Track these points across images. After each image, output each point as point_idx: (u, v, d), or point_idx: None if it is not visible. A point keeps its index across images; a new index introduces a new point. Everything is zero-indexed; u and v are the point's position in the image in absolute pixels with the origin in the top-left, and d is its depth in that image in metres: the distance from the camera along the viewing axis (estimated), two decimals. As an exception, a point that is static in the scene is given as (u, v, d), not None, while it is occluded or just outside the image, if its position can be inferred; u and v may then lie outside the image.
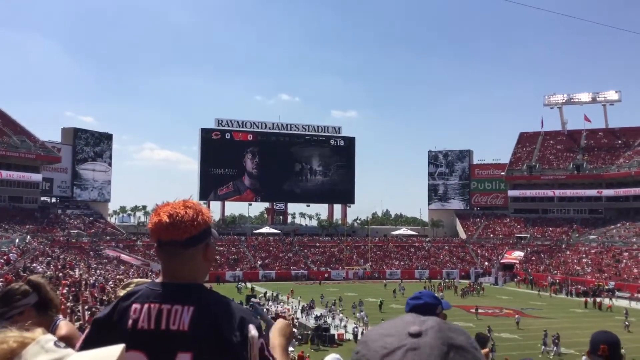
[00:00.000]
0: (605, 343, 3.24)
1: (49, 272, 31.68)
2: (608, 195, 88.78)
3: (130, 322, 1.90)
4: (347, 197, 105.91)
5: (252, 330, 1.88)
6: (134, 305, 1.92)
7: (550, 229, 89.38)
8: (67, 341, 1.09)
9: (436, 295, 3.27)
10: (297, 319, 42.33)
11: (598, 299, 53.51)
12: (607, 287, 62.06)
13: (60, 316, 3.40)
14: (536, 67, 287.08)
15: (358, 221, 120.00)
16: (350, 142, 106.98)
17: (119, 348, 1.06)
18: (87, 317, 19.81)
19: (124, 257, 67.90)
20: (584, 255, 75.66)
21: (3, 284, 24.40)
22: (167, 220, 1.93)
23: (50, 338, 0.98)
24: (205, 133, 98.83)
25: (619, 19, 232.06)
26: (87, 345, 1.85)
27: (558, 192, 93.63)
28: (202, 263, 2.03)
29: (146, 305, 1.91)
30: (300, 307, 47.83)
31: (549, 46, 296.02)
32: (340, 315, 43.32)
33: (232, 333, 1.87)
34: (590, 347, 3.30)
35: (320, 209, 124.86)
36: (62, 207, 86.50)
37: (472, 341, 0.87)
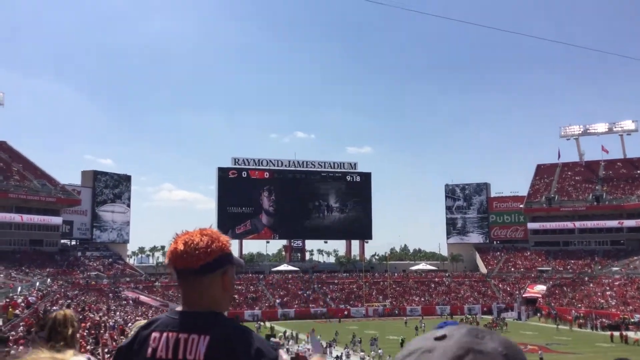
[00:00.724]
0: None
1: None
2: (629, 225, 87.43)
3: (149, 350, 1.93)
4: (364, 232, 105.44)
5: None
6: (154, 334, 1.95)
7: (572, 261, 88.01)
8: None
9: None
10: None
11: (624, 333, 52.34)
12: (632, 320, 60.72)
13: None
14: (551, 99, 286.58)
15: (376, 257, 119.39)
16: (366, 177, 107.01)
17: None
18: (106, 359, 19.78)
19: (142, 298, 67.94)
20: (608, 288, 74.25)
21: (24, 327, 24.52)
22: (182, 248, 1.95)
23: (81, 359, 0.95)
24: (222, 172, 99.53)
25: (634, 49, 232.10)
26: None
27: (578, 224, 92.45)
28: (221, 292, 2.02)
29: (165, 334, 1.93)
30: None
31: (563, 77, 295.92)
32: (362, 353, 42.76)
33: None
34: None
35: (338, 245, 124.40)
36: (82, 249, 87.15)
37: (505, 350, 0.83)
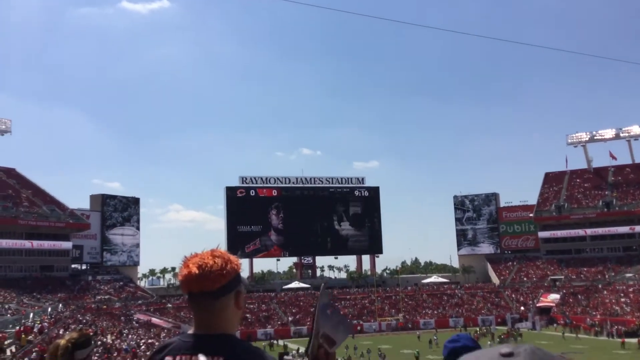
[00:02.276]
0: None
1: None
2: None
3: None
4: (374, 247, 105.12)
5: None
6: (167, 358, 1.94)
7: (585, 269, 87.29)
8: None
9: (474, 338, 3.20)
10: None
11: (641, 339, 51.80)
12: (649, 326, 60.14)
13: None
14: (557, 106, 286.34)
15: (387, 271, 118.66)
16: (374, 192, 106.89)
17: None
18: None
19: (154, 320, 67.80)
20: (622, 294, 73.55)
21: (37, 353, 24.52)
22: (197, 272, 1.92)
23: None
24: (230, 191, 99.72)
25: (639, 55, 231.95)
26: None
27: (589, 231, 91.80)
28: (234, 312, 2.02)
29: (178, 358, 1.91)
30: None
31: (569, 85, 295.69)
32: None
33: None
34: None
35: (348, 261, 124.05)
36: (93, 274, 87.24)
37: None
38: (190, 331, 2.02)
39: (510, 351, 0.86)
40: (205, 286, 1.93)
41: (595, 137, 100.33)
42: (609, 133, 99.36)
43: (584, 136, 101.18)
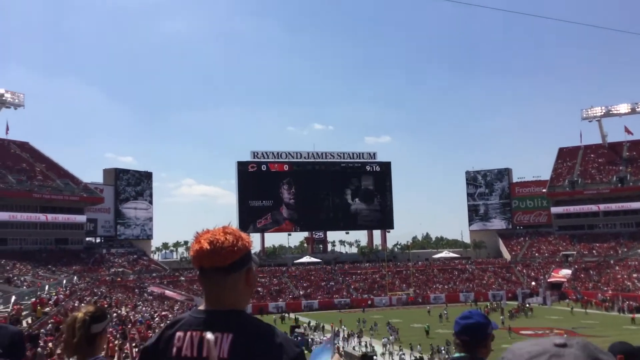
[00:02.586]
0: (622, 352, 3.19)
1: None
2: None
3: (174, 349, 1.95)
4: (386, 222, 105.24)
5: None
6: (178, 334, 1.96)
7: (597, 244, 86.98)
8: None
9: (486, 315, 3.18)
10: (343, 347, 42.05)
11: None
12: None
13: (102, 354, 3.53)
14: (572, 81, 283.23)
15: (398, 246, 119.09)
16: (386, 167, 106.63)
17: None
18: (134, 354, 20.06)
19: (168, 293, 68.63)
20: (634, 270, 73.33)
21: (53, 325, 24.93)
22: (208, 247, 1.95)
23: None
24: (242, 166, 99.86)
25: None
26: None
27: (603, 207, 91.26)
28: (245, 288, 2.04)
29: (189, 333, 1.94)
30: (345, 335, 47.52)
31: (584, 59, 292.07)
32: (384, 339, 42.91)
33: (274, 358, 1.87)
34: None
35: (359, 236, 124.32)
36: (107, 247, 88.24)
37: None
38: (202, 307, 2.04)
39: (564, 342, 0.90)
40: (217, 262, 1.95)
41: (610, 112, 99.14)
42: (624, 108, 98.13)
43: (599, 111, 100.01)
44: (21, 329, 24.43)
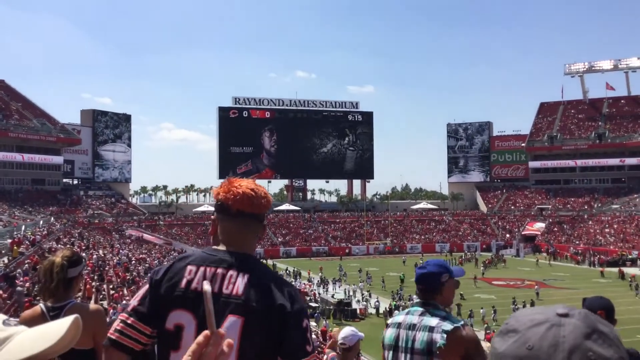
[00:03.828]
0: (602, 308, 3.26)
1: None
2: (631, 163, 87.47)
3: (184, 281, 1.99)
4: (366, 172, 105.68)
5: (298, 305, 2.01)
6: (189, 267, 2.01)
7: (572, 199, 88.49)
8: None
9: (446, 264, 3.25)
10: (319, 294, 42.73)
11: (622, 269, 53.19)
12: (630, 256, 61.63)
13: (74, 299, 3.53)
14: (556, 36, 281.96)
15: (377, 196, 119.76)
16: (368, 117, 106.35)
17: (68, 321, 1.00)
18: (112, 295, 20.11)
19: (146, 236, 68.74)
20: (607, 225, 74.95)
21: (29, 265, 24.85)
22: (252, 194, 2.08)
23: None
24: (223, 112, 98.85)
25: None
26: (144, 303, 2.02)
27: (580, 162, 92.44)
28: (256, 240, 2.18)
29: (202, 268, 2.00)
30: (318, 282, 48.34)
31: (569, 14, 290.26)
32: (361, 287, 43.66)
33: (285, 302, 1.97)
34: None
35: (339, 185, 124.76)
36: (84, 189, 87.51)
37: (617, 334, 0.92)
38: (219, 247, 2.11)
39: (566, 312, 0.93)
40: (255, 209, 2.09)
41: (593, 68, 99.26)
42: (607, 64, 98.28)
43: (582, 66, 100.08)
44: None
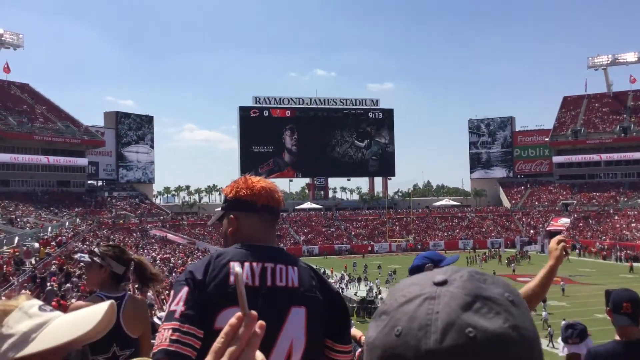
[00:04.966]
0: (628, 300, 3.22)
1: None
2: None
3: (232, 278, 1.90)
4: (387, 169, 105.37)
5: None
6: (233, 264, 1.95)
7: (598, 194, 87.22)
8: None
9: (435, 254, 3.22)
10: (342, 291, 42.75)
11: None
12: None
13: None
14: (579, 29, 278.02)
15: (399, 193, 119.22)
16: (388, 114, 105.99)
17: (103, 307, 1.02)
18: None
19: (170, 236, 69.26)
20: (633, 220, 73.77)
21: (56, 265, 25.23)
22: (274, 189, 2.20)
23: (34, 303, 1.01)
24: (244, 111, 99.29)
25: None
26: (192, 306, 1.85)
27: (605, 156, 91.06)
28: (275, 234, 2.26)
29: (247, 264, 1.98)
30: (341, 280, 48.34)
31: (592, 6, 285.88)
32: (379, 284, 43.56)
33: (337, 290, 2.13)
34: (612, 306, 3.27)
35: (361, 183, 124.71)
36: (109, 190, 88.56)
37: (511, 295, 0.73)
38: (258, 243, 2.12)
39: (445, 279, 0.74)
40: (277, 202, 2.18)
41: (617, 60, 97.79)
42: (632, 56, 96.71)
43: (605, 59, 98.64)
44: (24, 269, 24.78)
